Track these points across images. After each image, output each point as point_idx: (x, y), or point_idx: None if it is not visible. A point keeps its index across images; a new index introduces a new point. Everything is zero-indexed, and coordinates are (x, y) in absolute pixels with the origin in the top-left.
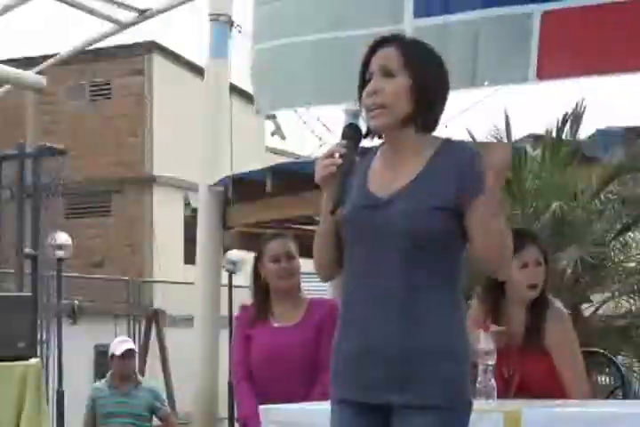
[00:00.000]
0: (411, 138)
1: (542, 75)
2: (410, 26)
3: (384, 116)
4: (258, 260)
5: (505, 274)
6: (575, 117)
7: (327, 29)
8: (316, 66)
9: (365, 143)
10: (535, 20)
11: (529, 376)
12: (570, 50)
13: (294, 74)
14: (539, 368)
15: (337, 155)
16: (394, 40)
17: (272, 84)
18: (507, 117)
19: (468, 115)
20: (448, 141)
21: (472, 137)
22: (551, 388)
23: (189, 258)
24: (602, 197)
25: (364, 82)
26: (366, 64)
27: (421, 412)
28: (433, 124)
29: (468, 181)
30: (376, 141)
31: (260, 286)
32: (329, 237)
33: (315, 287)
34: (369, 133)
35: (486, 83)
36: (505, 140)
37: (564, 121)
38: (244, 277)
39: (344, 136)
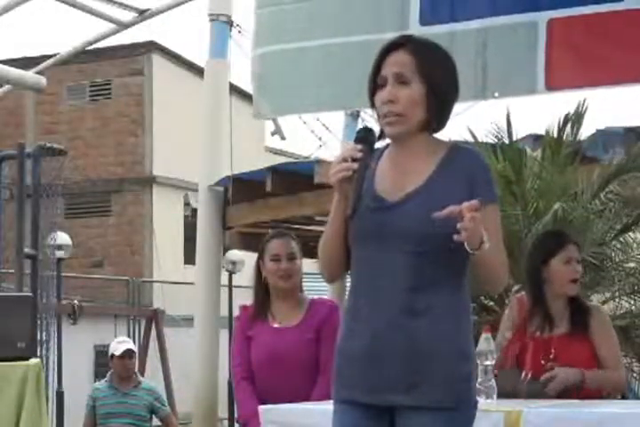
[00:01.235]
0: (422, 142)
1: (551, 86)
2: (416, 33)
3: (401, 124)
4: (260, 258)
5: (497, 289)
6: (576, 118)
7: (331, 35)
8: (319, 72)
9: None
10: (541, 28)
11: (570, 363)
12: (577, 59)
13: (297, 80)
14: (581, 356)
15: (353, 159)
16: (405, 43)
17: (274, 90)
18: (508, 116)
19: (469, 113)
20: (456, 146)
21: (473, 136)
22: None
23: (189, 258)
24: (602, 197)
25: (374, 86)
26: (378, 68)
27: (426, 412)
28: (444, 125)
29: (479, 189)
30: (382, 142)
31: (261, 286)
32: (336, 238)
33: (315, 287)
34: (381, 136)
35: (496, 94)
36: (506, 140)
37: (566, 121)
38: (244, 278)
39: (359, 140)
